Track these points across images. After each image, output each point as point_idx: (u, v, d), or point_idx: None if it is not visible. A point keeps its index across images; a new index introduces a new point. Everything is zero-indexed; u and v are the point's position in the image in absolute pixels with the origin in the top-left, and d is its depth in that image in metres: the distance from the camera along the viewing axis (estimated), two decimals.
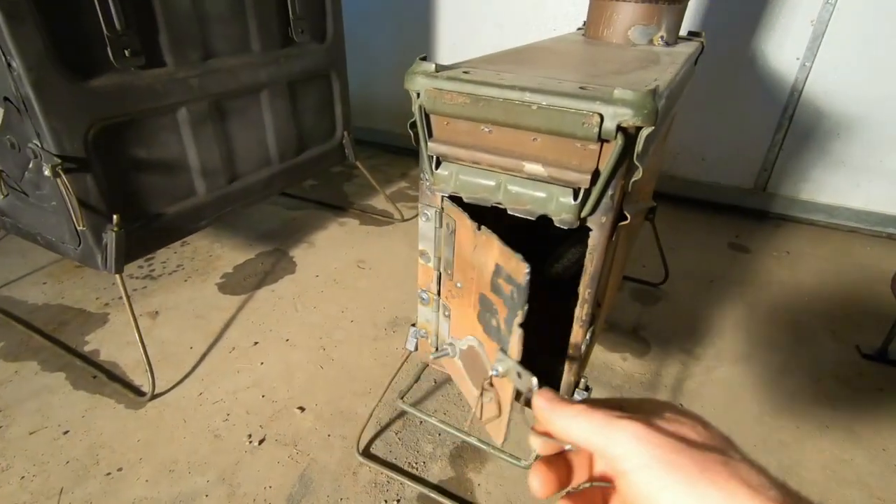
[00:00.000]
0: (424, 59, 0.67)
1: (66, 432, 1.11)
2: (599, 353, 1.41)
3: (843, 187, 2.12)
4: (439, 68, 0.67)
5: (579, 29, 1.35)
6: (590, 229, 0.66)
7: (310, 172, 1.77)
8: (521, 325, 0.61)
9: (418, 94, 0.67)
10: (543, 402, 0.31)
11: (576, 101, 0.57)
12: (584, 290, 0.71)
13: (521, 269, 0.55)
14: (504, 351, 0.70)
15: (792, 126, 2.08)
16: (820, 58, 1.94)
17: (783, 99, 2.05)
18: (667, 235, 2.07)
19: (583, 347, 0.76)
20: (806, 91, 2.00)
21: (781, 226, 2.21)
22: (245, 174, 1.50)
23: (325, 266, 1.77)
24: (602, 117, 0.56)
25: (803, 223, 2.22)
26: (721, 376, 1.35)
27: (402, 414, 1.17)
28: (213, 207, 1.41)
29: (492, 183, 0.68)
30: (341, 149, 1.86)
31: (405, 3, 2.54)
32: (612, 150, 0.58)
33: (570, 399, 0.31)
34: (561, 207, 0.64)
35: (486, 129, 0.66)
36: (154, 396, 1.20)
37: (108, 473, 1.02)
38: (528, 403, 0.34)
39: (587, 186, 0.61)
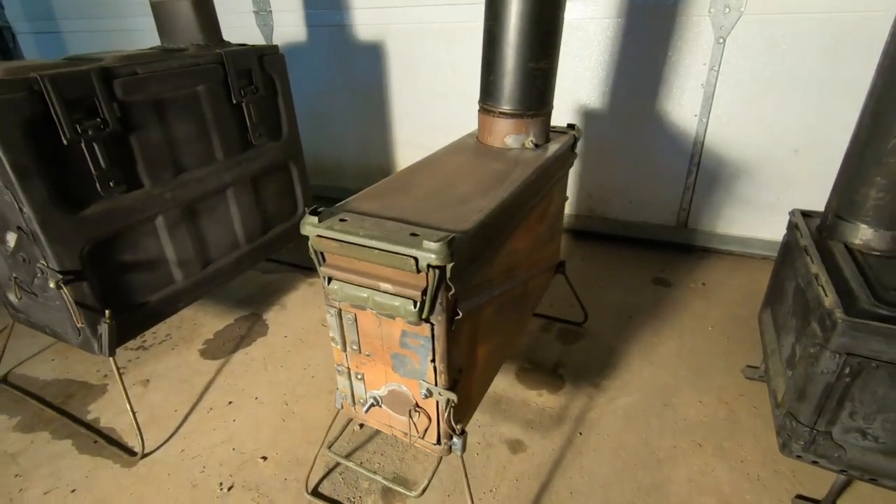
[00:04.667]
0: (313, 212, 0.96)
1: (73, 491, 1.37)
2: (519, 391, 1.66)
3: (751, 221, 2.39)
4: (323, 217, 0.95)
5: None
6: (433, 324, 0.93)
7: (275, 248, 2.06)
8: (432, 361, 0.96)
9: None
10: None
11: (401, 247, 0.85)
12: (439, 364, 0.98)
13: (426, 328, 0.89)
14: (425, 381, 0.98)
15: (700, 172, 2.37)
16: (713, 114, 2.24)
17: (689, 148, 2.34)
18: (598, 273, 2.35)
19: (445, 404, 1.02)
20: (707, 142, 2.30)
21: (704, 257, 2.47)
22: (216, 259, 1.79)
23: (294, 326, 2.04)
24: (417, 259, 0.84)
25: (723, 254, 2.49)
26: (620, 406, 1.60)
27: (348, 455, 1.43)
28: (191, 291, 1.70)
29: (364, 295, 0.96)
30: None
31: (363, 81, 2.87)
32: (431, 277, 0.86)
33: None
34: (408, 312, 0.91)
35: (356, 259, 0.94)
36: (144, 456, 1.46)
37: None
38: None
39: (420, 300, 0.89)
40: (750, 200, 2.34)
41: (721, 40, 2.09)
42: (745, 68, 2.10)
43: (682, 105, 2.28)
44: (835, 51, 1.95)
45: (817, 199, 2.15)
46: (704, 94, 2.21)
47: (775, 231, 2.35)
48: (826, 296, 1.05)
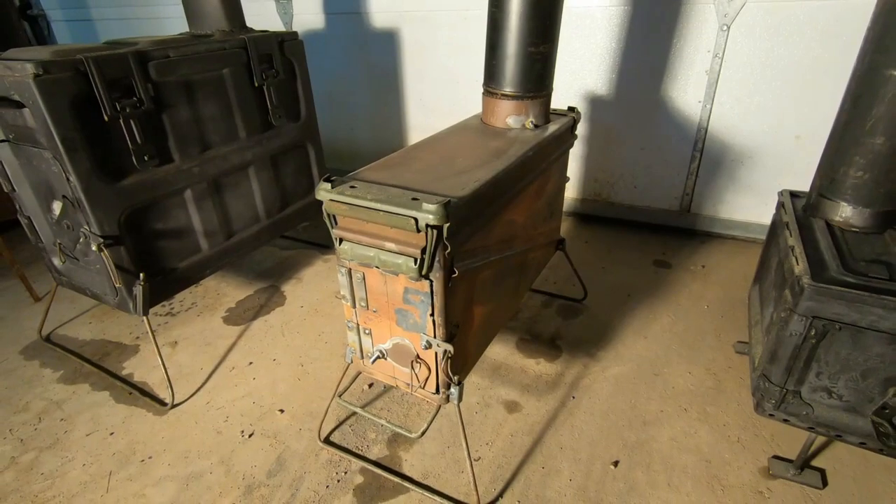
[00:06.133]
0: (327, 179, 1.07)
1: (112, 433, 1.53)
2: (518, 360, 1.77)
3: (753, 206, 2.44)
4: (335, 185, 1.07)
5: None
6: (432, 281, 1.04)
7: (293, 223, 2.19)
8: (431, 315, 1.07)
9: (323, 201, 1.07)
10: None
11: (403, 209, 0.96)
12: (438, 317, 1.09)
13: (425, 285, 1.01)
14: (425, 334, 1.10)
15: (703, 157, 2.43)
16: (717, 100, 2.29)
17: (692, 135, 2.40)
18: (601, 255, 2.44)
19: (441, 356, 1.13)
20: (710, 128, 2.35)
21: (706, 241, 2.54)
22: (239, 231, 1.93)
23: (310, 298, 2.18)
24: (416, 220, 0.95)
25: (725, 238, 2.55)
26: (613, 374, 1.70)
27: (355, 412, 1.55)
28: (215, 259, 1.84)
29: (371, 254, 1.07)
30: (320, 201, 2.28)
31: (377, 66, 2.98)
32: (430, 236, 0.97)
33: None
34: (409, 269, 1.02)
35: (364, 221, 1.05)
36: (174, 406, 1.62)
37: (143, 460, 1.43)
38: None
39: (420, 257, 1.00)
40: (752, 186, 2.40)
41: (725, 28, 2.14)
42: (749, 55, 2.15)
43: (687, 91, 2.33)
44: (836, 38, 1.99)
45: None
46: (708, 81, 2.26)
47: None
48: (797, 264, 1.14)
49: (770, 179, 2.35)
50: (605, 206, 2.73)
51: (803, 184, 2.29)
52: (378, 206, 0.99)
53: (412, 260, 1.02)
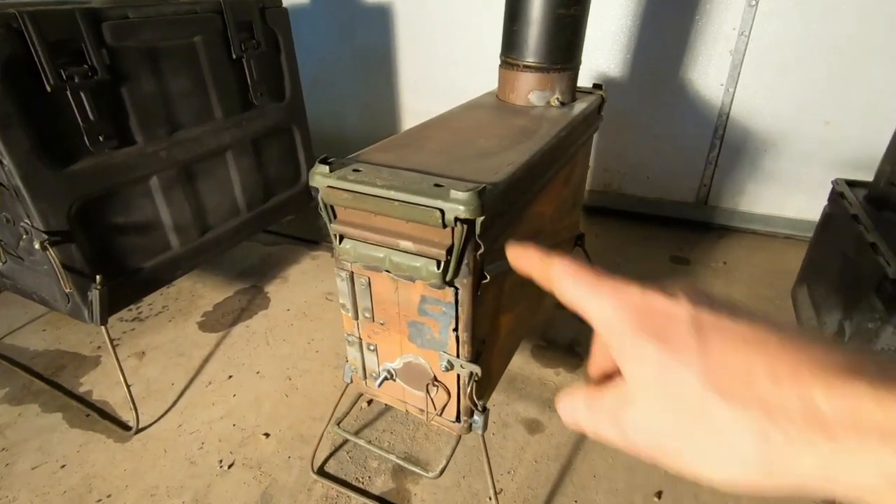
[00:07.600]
0: (324, 161, 0.85)
1: (63, 466, 1.29)
2: (535, 370, 1.58)
3: (776, 198, 2.28)
4: (334, 167, 0.85)
5: None
6: (457, 288, 0.83)
7: (278, 216, 1.95)
8: (454, 330, 0.86)
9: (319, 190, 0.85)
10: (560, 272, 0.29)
11: (425, 198, 0.75)
12: (462, 333, 0.88)
13: (448, 293, 0.80)
14: (445, 352, 0.89)
15: (723, 145, 2.25)
16: (741, 83, 2.11)
17: (713, 120, 2.22)
18: (614, 250, 2.25)
19: (468, 378, 0.93)
20: (732, 113, 2.18)
21: (724, 236, 2.37)
22: (215, 225, 1.69)
23: (297, 300, 1.95)
24: (443, 212, 0.74)
25: (744, 232, 2.38)
26: None
27: (356, 433, 1.34)
28: (188, 258, 1.60)
29: (381, 255, 0.86)
30: (307, 192, 2.05)
31: (368, 47, 2.73)
32: (458, 232, 0.76)
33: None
34: (430, 274, 0.81)
35: (372, 213, 0.84)
36: (139, 430, 1.38)
37: (99, 500, 1.20)
38: None
39: (445, 259, 0.79)
40: (775, 175, 2.23)
41: (753, 3, 1.96)
42: (778, 34, 1.98)
43: (708, 73, 2.15)
44: (872, 15, 1.82)
45: (847, 173, 2.04)
46: (732, 62, 2.09)
47: (801, 208, 2.24)
48: (889, 265, 0.95)
49: (795, 168, 2.19)
50: (616, 197, 2.55)
51: (830, 173, 2.13)
52: (392, 194, 0.78)
53: (434, 263, 0.81)
